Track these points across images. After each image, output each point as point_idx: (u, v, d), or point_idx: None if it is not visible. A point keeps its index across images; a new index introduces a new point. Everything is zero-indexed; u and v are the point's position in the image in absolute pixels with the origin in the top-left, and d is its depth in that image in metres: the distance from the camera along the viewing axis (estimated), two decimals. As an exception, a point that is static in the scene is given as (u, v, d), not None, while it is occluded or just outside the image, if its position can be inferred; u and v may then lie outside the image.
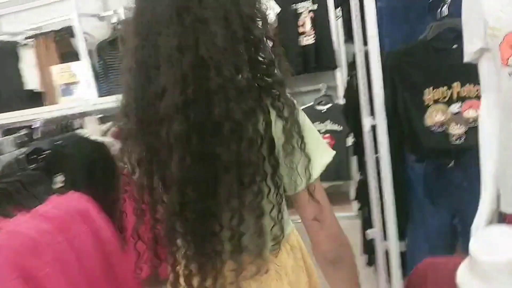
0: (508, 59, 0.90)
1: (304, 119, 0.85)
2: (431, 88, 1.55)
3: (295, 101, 0.83)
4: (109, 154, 2.12)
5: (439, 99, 1.55)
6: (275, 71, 0.83)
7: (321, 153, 0.86)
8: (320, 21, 3.27)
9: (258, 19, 0.81)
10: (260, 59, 0.82)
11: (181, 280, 0.90)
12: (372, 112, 2.02)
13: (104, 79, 3.69)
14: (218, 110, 0.76)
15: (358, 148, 2.63)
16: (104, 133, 2.60)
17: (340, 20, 3.15)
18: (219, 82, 0.75)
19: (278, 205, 0.85)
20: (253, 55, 0.81)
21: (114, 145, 2.24)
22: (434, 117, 1.56)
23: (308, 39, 3.31)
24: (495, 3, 0.93)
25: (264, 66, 0.82)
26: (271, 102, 0.81)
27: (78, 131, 2.23)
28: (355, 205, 3.46)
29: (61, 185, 1.97)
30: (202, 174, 0.80)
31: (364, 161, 2.55)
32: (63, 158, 1.93)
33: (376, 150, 2.10)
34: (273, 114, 0.81)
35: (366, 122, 2.04)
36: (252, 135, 0.78)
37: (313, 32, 3.30)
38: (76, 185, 1.93)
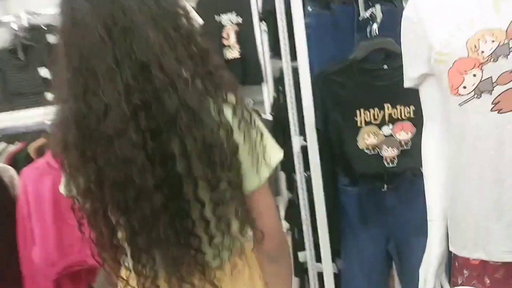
0: (458, 88, 0.82)
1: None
2: (362, 109, 1.49)
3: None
4: (1, 183, 1.81)
5: (370, 120, 1.49)
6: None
7: (275, 150, 0.91)
8: (245, 34, 3.16)
9: (183, 15, 0.84)
10: (196, 51, 0.84)
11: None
12: (301, 132, 1.94)
13: (3, 94, 3.24)
14: (170, 103, 0.77)
15: (286, 165, 2.56)
16: (-2, 158, 2.25)
17: (265, 34, 3.09)
18: (164, 78, 0.77)
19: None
20: (188, 48, 0.83)
21: (8, 171, 1.92)
22: (366, 139, 1.49)
23: (233, 53, 3.19)
24: (443, 27, 0.86)
25: (201, 58, 0.84)
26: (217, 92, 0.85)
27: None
28: (283, 224, 3.39)
29: None
30: (168, 175, 0.80)
31: (294, 180, 2.49)
32: None
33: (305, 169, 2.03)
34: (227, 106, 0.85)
35: (295, 141, 1.95)
36: (209, 120, 0.80)
37: (238, 45, 3.18)
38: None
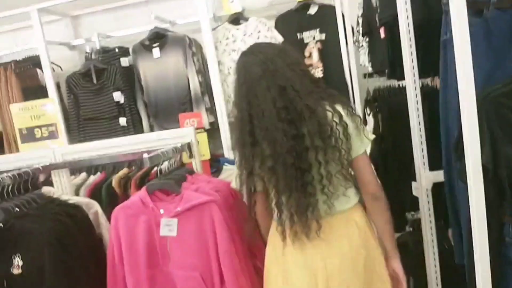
0: None
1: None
2: (542, 141, 1.15)
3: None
4: (86, 222, 1.60)
5: (554, 156, 1.15)
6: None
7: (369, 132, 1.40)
8: (329, 52, 2.89)
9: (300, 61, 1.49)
10: (310, 78, 1.41)
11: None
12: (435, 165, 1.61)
13: (75, 119, 3.13)
14: (299, 106, 1.29)
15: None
16: (78, 189, 2.08)
17: (352, 51, 2.80)
18: (295, 93, 1.30)
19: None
20: (304, 76, 1.37)
21: (93, 206, 1.72)
22: (547, 180, 1.14)
23: (316, 72, 2.92)
24: None
25: (312, 80, 1.40)
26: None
27: (44, 190, 1.70)
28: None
29: (18, 271, 1.43)
30: (299, 147, 1.29)
31: (405, 221, 2.14)
32: (22, 234, 1.40)
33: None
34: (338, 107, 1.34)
35: (424, 179, 1.63)
36: (321, 112, 1.30)
37: (321, 64, 2.91)
38: (41, 269, 1.40)
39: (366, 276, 1.37)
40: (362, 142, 1.35)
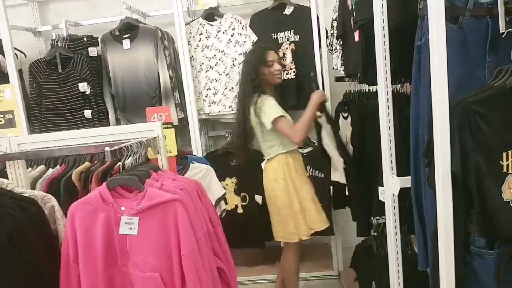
0: None
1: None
2: (510, 151, 1.16)
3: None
4: (41, 217, 1.50)
5: (521, 165, 1.16)
6: None
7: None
8: (302, 54, 2.88)
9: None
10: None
11: None
12: (400, 170, 1.61)
13: (37, 109, 2.98)
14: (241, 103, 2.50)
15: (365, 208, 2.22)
16: (35, 182, 1.97)
17: (325, 54, 2.80)
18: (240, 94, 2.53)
19: None
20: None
21: (50, 201, 1.63)
22: (513, 189, 1.16)
23: (288, 73, 2.90)
24: None
25: None
26: None
27: (-3, 182, 1.59)
28: (336, 262, 3.04)
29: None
30: None
31: (370, 225, 2.15)
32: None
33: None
34: None
35: (391, 183, 1.62)
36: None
37: (294, 66, 2.90)
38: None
39: None
40: (263, 124, 2.33)
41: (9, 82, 2.82)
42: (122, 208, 1.34)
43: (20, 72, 3.00)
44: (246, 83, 2.42)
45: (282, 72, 2.88)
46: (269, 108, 2.32)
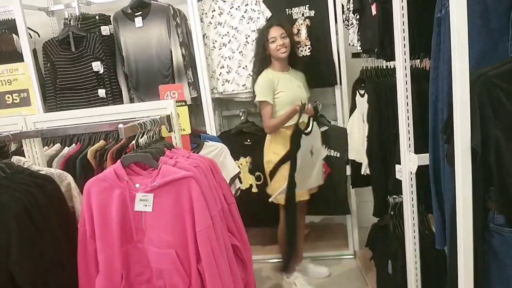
0: None
1: None
2: (533, 126, 1.11)
3: None
4: (58, 194, 1.52)
5: (544, 141, 1.11)
6: None
7: None
8: (318, 30, 2.82)
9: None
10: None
11: None
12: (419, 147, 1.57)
13: (52, 88, 3.00)
14: None
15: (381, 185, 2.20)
16: (51, 160, 1.99)
17: (341, 30, 2.74)
18: None
19: None
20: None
21: (66, 178, 1.65)
22: (536, 166, 1.11)
23: (303, 50, 2.85)
24: None
25: None
26: None
27: (14, 159, 1.61)
28: (352, 242, 3.03)
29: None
30: None
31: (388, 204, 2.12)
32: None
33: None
34: None
35: (410, 161, 1.59)
36: None
37: (309, 42, 2.84)
38: (8, 241, 1.33)
39: None
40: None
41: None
42: (137, 185, 1.34)
43: (34, 51, 3.00)
44: (254, 60, 2.69)
45: (298, 47, 2.84)
46: (258, 88, 2.55)
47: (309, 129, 2.42)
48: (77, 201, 1.55)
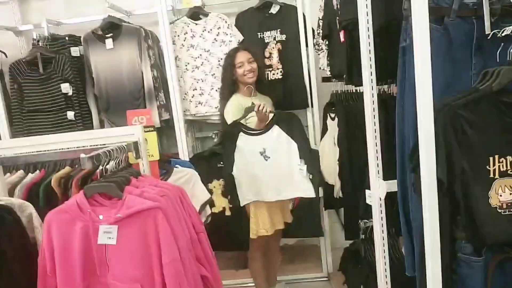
0: None
1: None
2: (497, 156, 1.14)
3: None
4: (18, 226, 1.45)
5: (507, 171, 1.14)
6: None
7: None
8: (289, 54, 2.85)
9: None
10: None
11: None
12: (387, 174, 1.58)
13: (18, 111, 2.91)
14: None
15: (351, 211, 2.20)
16: (13, 187, 1.91)
17: (311, 54, 2.77)
18: None
19: None
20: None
21: (27, 208, 1.58)
22: (501, 195, 1.14)
23: (275, 74, 2.87)
24: None
25: None
26: None
27: (-28, 189, 1.53)
28: (326, 264, 3.01)
29: None
30: None
31: (357, 228, 2.13)
32: None
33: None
34: None
35: (377, 188, 1.60)
36: None
37: (281, 65, 2.86)
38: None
39: None
40: None
41: (-10, 83, 2.75)
42: (101, 217, 1.30)
43: (0, 72, 2.92)
44: (222, 86, 2.66)
45: (269, 72, 2.86)
46: (228, 113, 2.50)
47: (257, 130, 2.33)
48: (39, 232, 1.49)
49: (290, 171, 2.32)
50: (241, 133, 2.32)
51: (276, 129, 2.35)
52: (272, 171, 2.33)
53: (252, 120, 2.38)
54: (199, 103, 2.94)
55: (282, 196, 2.36)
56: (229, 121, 2.46)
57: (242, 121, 2.37)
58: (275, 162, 2.34)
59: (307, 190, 2.29)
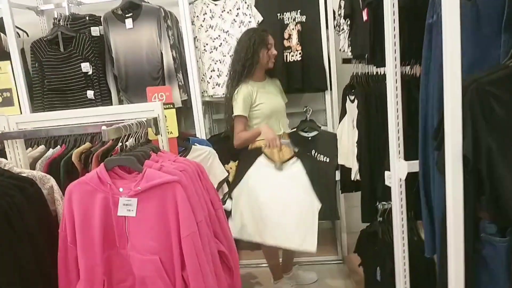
0: None
1: None
2: (525, 134, 1.10)
3: None
4: (39, 197, 1.47)
5: (535, 149, 1.10)
6: None
7: None
8: (309, 35, 2.81)
9: None
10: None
11: None
12: (412, 154, 1.55)
13: (39, 89, 2.94)
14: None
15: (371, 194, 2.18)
16: (35, 162, 1.94)
17: (332, 35, 2.73)
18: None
19: None
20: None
21: (49, 181, 1.60)
22: (528, 174, 1.10)
23: (294, 55, 2.83)
24: None
25: None
26: None
27: (-4, 161, 1.56)
28: (341, 247, 3.01)
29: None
30: None
31: (376, 210, 2.11)
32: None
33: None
34: None
35: (399, 168, 1.57)
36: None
37: (300, 47, 2.83)
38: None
39: None
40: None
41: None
42: (121, 189, 1.31)
43: (22, 51, 2.95)
44: (239, 68, 2.50)
45: (288, 53, 2.83)
46: (237, 103, 2.48)
47: (279, 164, 2.37)
48: (59, 204, 1.51)
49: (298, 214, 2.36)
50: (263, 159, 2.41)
51: (296, 166, 2.43)
52: (278, 209, 2.34)
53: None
54: (216, 85, 2.93)
55: (278, 242, 2.35)
56: (236, 111, 2.47)
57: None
58: (284, 201, 2.36)
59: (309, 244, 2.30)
